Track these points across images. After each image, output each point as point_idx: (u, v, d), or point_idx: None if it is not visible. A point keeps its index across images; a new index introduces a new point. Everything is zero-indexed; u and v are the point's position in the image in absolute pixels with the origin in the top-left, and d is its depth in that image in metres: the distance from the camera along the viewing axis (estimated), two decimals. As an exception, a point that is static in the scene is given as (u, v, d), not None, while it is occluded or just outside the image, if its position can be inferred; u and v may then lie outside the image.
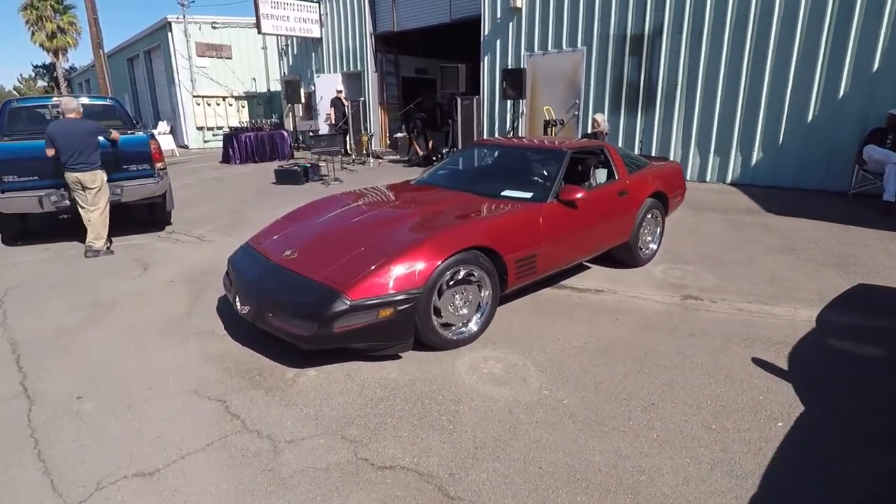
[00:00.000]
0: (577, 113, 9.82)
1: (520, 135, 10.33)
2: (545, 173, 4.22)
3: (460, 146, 9.93)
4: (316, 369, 3.00)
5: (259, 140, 13.09)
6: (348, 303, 2.76)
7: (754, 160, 8.27)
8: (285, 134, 13.47)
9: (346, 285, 2.82)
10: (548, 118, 9.29)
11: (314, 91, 15.09)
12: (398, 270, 2.91)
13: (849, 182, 7.35)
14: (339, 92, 12.95)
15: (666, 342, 3.38)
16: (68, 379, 2.96)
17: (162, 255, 5.53)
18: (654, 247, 5.07)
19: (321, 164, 10.44)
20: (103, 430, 2.47)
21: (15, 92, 45.60)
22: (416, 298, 2.92)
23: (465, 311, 3.28)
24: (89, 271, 4.98)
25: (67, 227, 6.58)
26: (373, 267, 2.92)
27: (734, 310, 3.93)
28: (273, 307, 2.96)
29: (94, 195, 5.40)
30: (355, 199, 4.15)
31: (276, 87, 19.15)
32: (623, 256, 4.75)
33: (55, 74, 34.03)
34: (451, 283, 3.15)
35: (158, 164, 6.22)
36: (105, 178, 5.49)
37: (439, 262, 3.01)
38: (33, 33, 30.32)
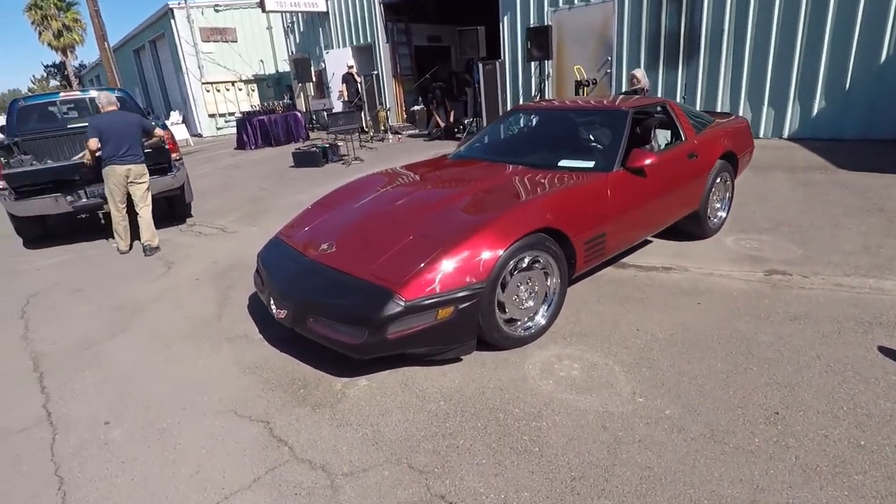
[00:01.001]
0: (609, 70, 9.11)
1: (547, 98, 9.67)
2: (604, 138, 3.69)
3: (484, 115, 9.34)
4: (367, 378, 2.61)
5: (273, 123, 12.64)
6: (402, 304, 2.34)
7: (815, 110, 7.52)
8: (299, 115, 12.99)
9: (399, 283, 2.40)
10: (579, 78, 8.62)
11: (325, 68, 14.51)
12: (457, 262, 2.47)
13: (927, 128, 6.61)
14: (351, 67, 12.34)
15: (766, 330, 2.89)
16: (95, 399, 2.64)
17: (185, 251, 5.18)
18: (723, 214, 4.53)
19: (339, 143, 9.98)
20: (134, 463, 2.13)
21: (30, 94, 45.85)
22: (479, 294, 2.49)
23: (530, 303, 2.84)
24: (112, 273, 4.66)
25: (88, 227, 6.29)
26: (427, 259, 2.48)
27: (832, 286, 3.40)
28: (314, 311, 2.55)
29: (144, 190, 5.10)
30: (391, 180, 3.69)
31: (285, 67, 18.58)
32: (690, 227, 4.23)
33: (66, 73, 33.95)
34: (515, 272, 2.70)
35: (174, 155, 5.84)
36: None
37: (503, 250, 2.56)
38: (40, 33, 30.20)
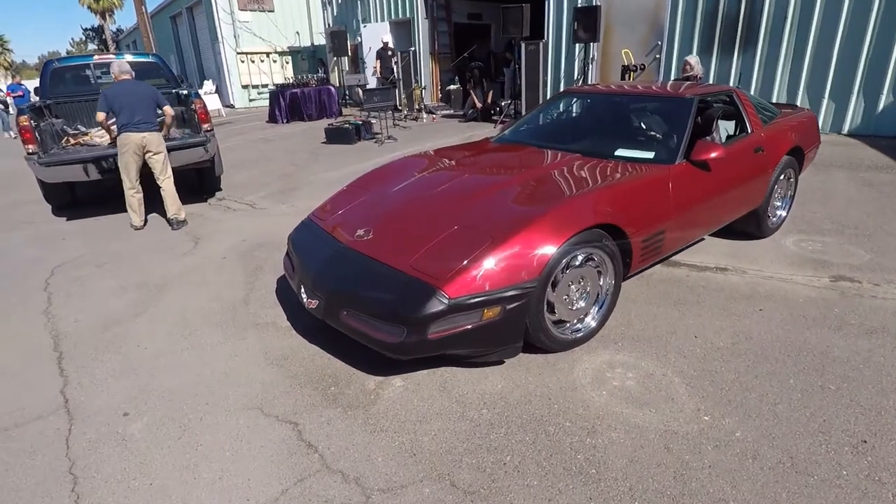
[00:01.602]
0: (658, 56, 8.64)
1: (591, 82, 9.25)
2: (666, 127, 3.40)
3: (524, 98, 8.99)
4: (402, 378, 2.43)
5: (306, 97, 12.47)
6: (446, 302, 2.14)
7: (881, 106, 6.99)
8: (332, 90, 12.78)
9: (443, 278, 2.19)
10: (626, 62, 8.20)
11: (360, 42, 14.24)
12: (506, 258, 2.25)
13: None
14: (386, 42, 12.04)
15: (838, 343, 2.62)
16: (114, 387, 2.50)
17: (213, 226, 5.08)
18: (783, 214, 4.20)
19: (373, 121, 9.76)
20: (152, 464, 1.98)
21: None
22: (529, 294, 2.27)
23: (581, 303, 2.61)
24: (139, 247, 4.58)
25: (119, 197, 6.25)
26: (474, 253, 2.26)
27: None
28: (348, 303, 2.38)
29: (162, 161, 4.93)
30: (431, 164, 3.46)
31: (320, 40, 18.34)
32: (747, 226, 3.92)
33: (104, 36, 34.34)
34: (567, 270, 2.47)
35: (205, 126, 5.70)
36: None
37: (557, 247, 2.33)
38: (80, -5, 30.47)
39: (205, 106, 5.79)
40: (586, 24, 8.22)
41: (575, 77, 9.57)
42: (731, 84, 7.86)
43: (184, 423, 2.19)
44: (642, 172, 2.89)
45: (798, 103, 7.55)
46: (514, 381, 2.38)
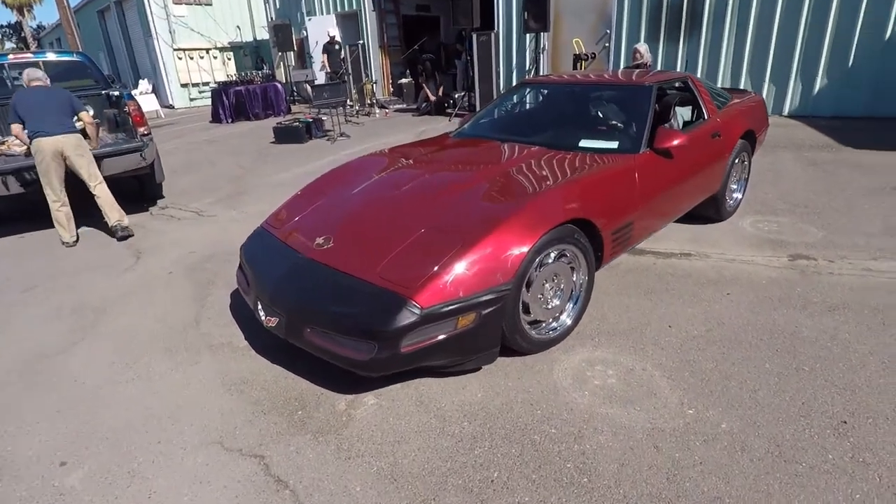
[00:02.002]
0: (607, 45, 8.72)
1: (543, 72, 9.26)
2: (627, 116, 3.36)
3: (477, 89, 8.89)
4: (375, 395, 2.28)
5: (251, 95, 11.95)
6: (419, 312, 2.00)
7: (817, 88, 7.30)
8: (279, 86, 12.30)
9: (413, 287, 2.06)
10: (577, 52, 8.23)
11: (306, 36, 13.77)
12: (479, 261, 2.13)
13: (932, 106, 6.44)
14: (332, 36, 11.62)
15: (806, 322, 2.66)
16: (48, 431, 2.20)
17: (156, 238, 4.73)
18: (739, 196, 4.28)
19: (324, 118, 9.44)
20: (99, 518, 1.76)
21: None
22: (505, 296, 2.17)
23: (556, 301, 2.53)
24: (72, 266, 4.18)
25: (47, 211, 5.74)
26: (445, 258, 2.14)
27: (861, 270, 3.21)
28: (312, 320, 2.20)
29: (88, 164, 4.50)
30: (390, 162, 3.30)
31: (264, 34, 17.64)
32: (707, 211, 3.96)
33: (22, 34, 31.92)
34: (541, 268, 2.39)
35: (141, 129, 5.31)
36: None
37: (531, 245, 2.23)
38: (-7, -13, 28.13)
39: (139, 108, 5.39)
40: (536, 13, 8.19)
41: (527, 67, 9.56)
42: (679, 70, 8.03)
43: (132, 469, 1.95)
44: (608, 163, 2.83)
45: (741, 87, 7.79)
46: (493, 389, 2.27)
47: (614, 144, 3.06)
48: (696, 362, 2.38)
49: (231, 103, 11.88)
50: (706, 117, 3.69)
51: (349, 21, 12.72)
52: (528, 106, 4.10)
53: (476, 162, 3.10)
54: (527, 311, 2.40)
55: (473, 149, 3.36)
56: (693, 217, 4.00)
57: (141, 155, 5.20)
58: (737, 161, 4.00)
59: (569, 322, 2.59)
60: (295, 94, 14.14)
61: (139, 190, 5.94)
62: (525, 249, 2.22)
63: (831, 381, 2.21)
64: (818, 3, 6.99)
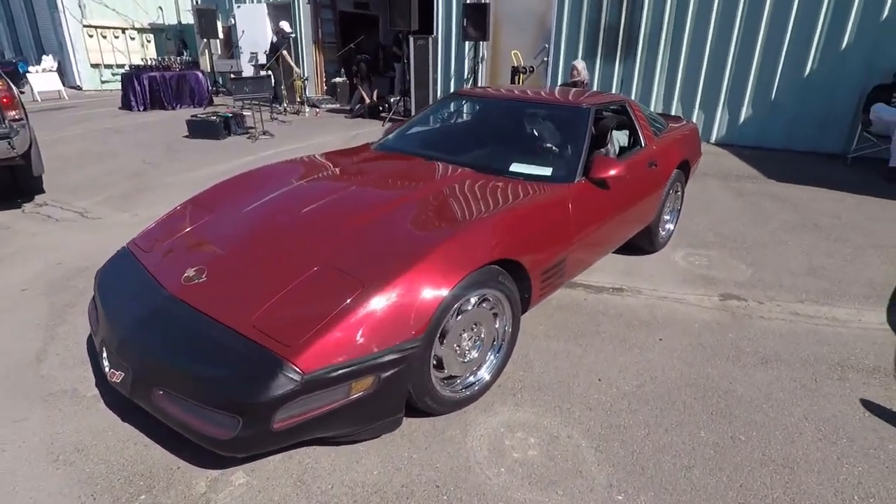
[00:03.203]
0: (546, 59, 8.63)
1: (481, 82, 9.04)
2: (562, 139, 3.10)
3: (413, 95, 8.53)
4: (246, 471, 1.83)
5: (168, 82, 10.93)
6: (299, 378, 1.58)
7: (742, 118, 7.53)
8: (200, 76, 11.34)
9: (295, 344, 1.63)
10: (516, 64, 8.06)
11: (234, 24, 12.85)
12: (382, 310, 1.74)
13: (844, 144, 6.78)
14: (281, 29, 10.40)
15: (740, 377, 2.48)
16: None
17: (21, 242, 3.98)
18: (671, 227, 4.16)
19: (246, 113, 8.71)
20: None
21: None
22: (412, 354, 1.79)
23: (474, 353, 2.19)
24: None
25: None
26: (340, 306, 1.73)
27: (789, 314, 3.14)
28: (164, 380, 1.72)
29: None
30: (297, 176, 2.84)
31: (189, 18, 16.37)
32: (640, 242, 3.80)
33: None
34: (458, 316, 2.03)
35: (11, 113, 4.49)
36: None
37: (448, 291, 1.87)
38: None
39: (9, 87, 4.56)
40: (476, 21, 7.95)
41: (465, 76, 9.30)
42: (614, 91, 8.05)
43: None
44: (540, 194, 2.53)
45: (673, 112, 7.92)
46: (394, 463, 1.88)
47: (548, 171, 2.77)
48: (627, 429, 2.11)
49: (144, 90, 10.80)
50: (643, 145, 3.52)
51: (281, 12, 11.97)
52: (458, 119, 3.77)
53: (394, 183, 2.71)
54: (440, 366, 2.04)
55: (393, 166, 2.96)
56: (626, 247, 3.82)
57: (9, 143, 4.39)
58: (671, 192, 3.87)
59: (487, 378, 2.25)
60: (220, 85, 13.15)
61: (11, 183, 5.07)
62: (440, 296, 1.86)
63: (769, 455, 2.00)
64: (746, 34, 7.21)
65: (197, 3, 14.28)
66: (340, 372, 1.64)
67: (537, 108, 3.35)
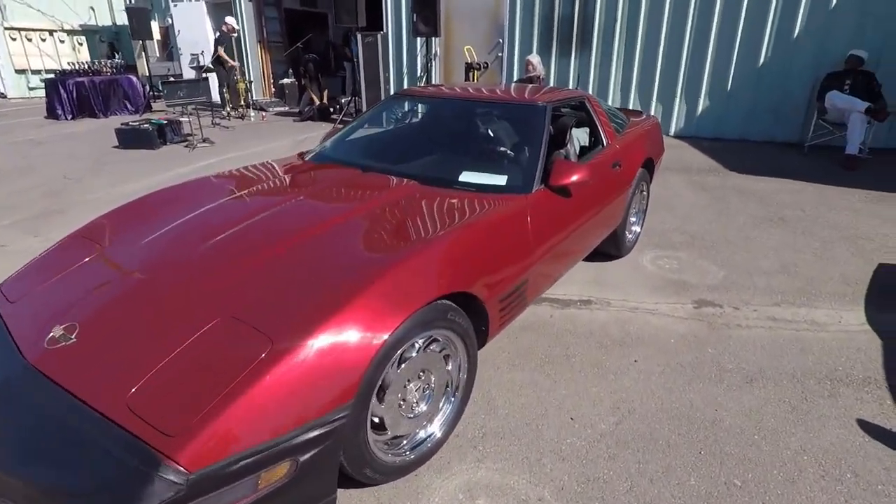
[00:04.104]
0: (500, 54, 8.34)
1: (435, 81, 8.67)
2: (517, 142, 2.78)
3: (364, 95, 8.10)
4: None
5: (98, 88, 10.12)
6: (182, 480, 1.19)
7: (700, 109, 7.43)
8: (134, 80, 10.56)
9: (178, 433, 1.24)
10: (469, 60, 7.73)
11: (172, 24, 12.07)
12: (299, 374, 1.37)
13: (800, 132, 6.75)
14: (229, 26, 9.64)
15: (726, 403, 2.22)
16: None
17: None
18: (638, 230, 3.92)
19: (185, 119, 8.09)
20: None
21: None
22: (340, 426, 1.43)
23: (423, 406, 1.83)
24: None
25: None
26: (242, 375, 1.34)
27: (768, 320, 2.93)
28: (3, 491, 1.30)
29: None
30: (213, 196, 2.42)
31: (126, 19, 15.38)
32: (607, 248, 3.54)
33: None
34: (403, 364, 1.68)
35: None
36: None
37: (383, 339, 1.51)
38: None
39: None
40: (426, 16, 7.56)
41: (418, 74, 8.92)
42: (571, 85, 7.83)
43: None
44: (495, 208, 2.19)
45: (630, 105, 7.77)
46: (326, 559, 1.52)
47: (502, 180, 2.44)
48: (607, 482, 1.81)
49: (72, 96, 9.97)
50: (605, 143, 3.24)
51: (221, 10, 11.27)
52: (402, 123, 3.40)
53: (323, 201, 2.31)
54: (381, 426, 1.68)
55: (326, 181, 2.57)
56: (592, 253, 3.54)
57: None
58: (637, 192, 3.62)
59: (439, 435, 1.89)
60: (158, 89, 12.32)
61: None
62: (376, 345, 1.50)
63: (767, 499, 1.73)
64: (700, 24, 7.10)
65: (130, 1, 13.40)
66: (243, 463, 1.26)
67: (488, 108, 3.02)
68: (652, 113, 7.62)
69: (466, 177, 2.47)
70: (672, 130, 7.64)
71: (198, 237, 2.00)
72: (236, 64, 9.70)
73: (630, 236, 3.75)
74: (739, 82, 7.09)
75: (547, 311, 3.02)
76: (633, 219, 3.75)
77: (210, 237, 1.97)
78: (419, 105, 3.44)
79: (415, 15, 7.58)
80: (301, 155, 3.10)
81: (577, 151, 3.34)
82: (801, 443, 1.99)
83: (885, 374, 2.40)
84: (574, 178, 2.42)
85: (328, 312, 1.49)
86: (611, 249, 3.56)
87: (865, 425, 2.09)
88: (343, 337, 1.46)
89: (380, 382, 1.59)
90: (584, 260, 3.52)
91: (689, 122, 7.55)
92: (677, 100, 7.50)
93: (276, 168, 2.81)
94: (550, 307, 3.08)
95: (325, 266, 1.76)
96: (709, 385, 2.34)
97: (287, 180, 2.61)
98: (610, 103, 7.78)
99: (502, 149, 2.78)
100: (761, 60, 6.90)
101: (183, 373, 1.38)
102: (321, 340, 1.43)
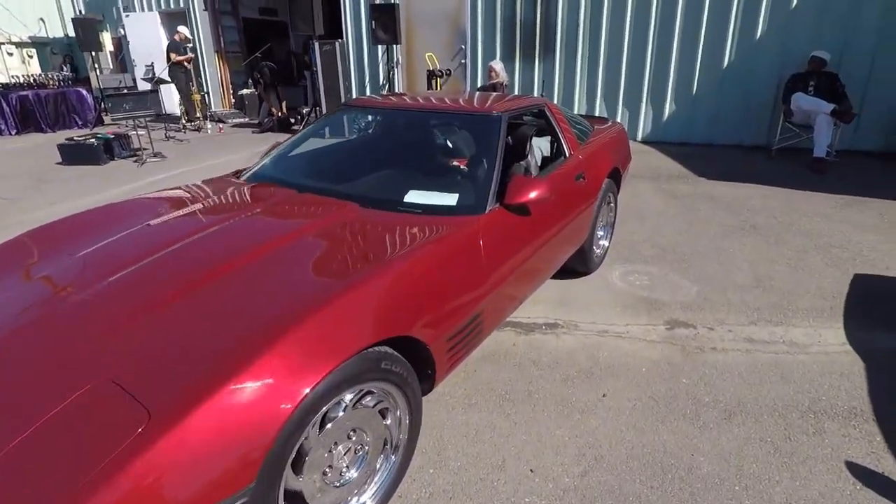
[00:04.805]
0: (463, 61, 8.15)
1: (398, 91, 8.43)
2: (469, 156, 2.54)
3: (324, 105, 7.80)
4: None
5: (43, 102, 9.57)
6: None
7: (666, 114, 7.35)
8: (84, 92, 10.02)
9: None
10: (431, 67, 7.51)
11: (124, 35, 11.57)
12: (184, 453, 1.09)
13: (767, 135, 6.70)
14: (182, 35, 9.23)
15: (703, 445, 2.00)
16: None
17: None
18: (606, 243, 3.72)
19: (135, 133, 7.66)
20: None
21: None
22: (234, 521, 1.15)
23: (353, 472, 1.56)
24: None
25: None
26: (108, 457, 1.05)
27: (744, 342, 2.75)
28: None
29: None
30: (120, 224, 2.10)
31: (77, 30, 14.76)
32: (573, 264, 3.32)
33: None
34: (327, 424, 1.40)
35: None
36: None
37: (297, 401, 1.24)
38: None
39: None
40: (385, 23, 7.34)
41: (381, 82, 8.67)
42: (536, 92, 7.68)
43: None
44: (442, 233, 1.93)
45: (597, 111, 7.65)
46: None
47: (452, 199, 2.19)
48: (572, 551, 1.56)
49: (15, 111, 9.41)
50: (567, 154, 3.02)
51: (176, 20, 10.84)
52: (348, 138, 3.13)
53: (247, 230, 2.02)
54: (301, 500, 1.40)
55: (255, 204, 2.27)
56: (558, 270, 3.34)
57: None
58: (603, 205, 3.41)
59: None
60: (109, 103, 11.78)
61: None
62: (285, 410, 1.23)
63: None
64: (663, 27, 7.03)
65: (80, 12, 12.83)
66: (92, 592, 0.97)
67: (439, 119, 2.77)
68: (619, 118, 7.51)
69: (413, 197, 2.21)
70: (639, 135, 7.55)
71: (95, 274, 1.69)
72: (191, 56, 9.28)
73: (598, 251, 3.54)
74: (705, 85, 7.03)
75: (510, 339, 2.78)
76: (600, 233, 3.55)
77: (109, 274, 1.66)
78: (367, 117, 3.18)
79: (373, 22, 7.34)
80: (237, 173, 2.81)
81: (539, 163, 3.13)
82: (786, 494, 1.77)
83: (871, 404, 2.22)
84: (532, 195, 2.18)
85: (229, 371, 1.21)
86: (578, 266, 3.35)
87: (855, 469, 1.89)
88: (245, 402, 1.19)
89: (294, 453, 1.32)
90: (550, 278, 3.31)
91: (655, 126, 7.46)
92: (643, 105, 7.41)
93: (205, 189, 2.51)
94: (514, 333, 2.84)
95: (235, 310, 1.48)
96: (684, 423, 2.12)
97: (212, 204, 2.31)
98: (576, 110, 7.66)
99: (454, 163, 2.54)
100: (725, 62, 6.85)
101: (40, 454, 1.08)
102: (215, 410, 1.15)
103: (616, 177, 3.59)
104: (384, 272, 1.63)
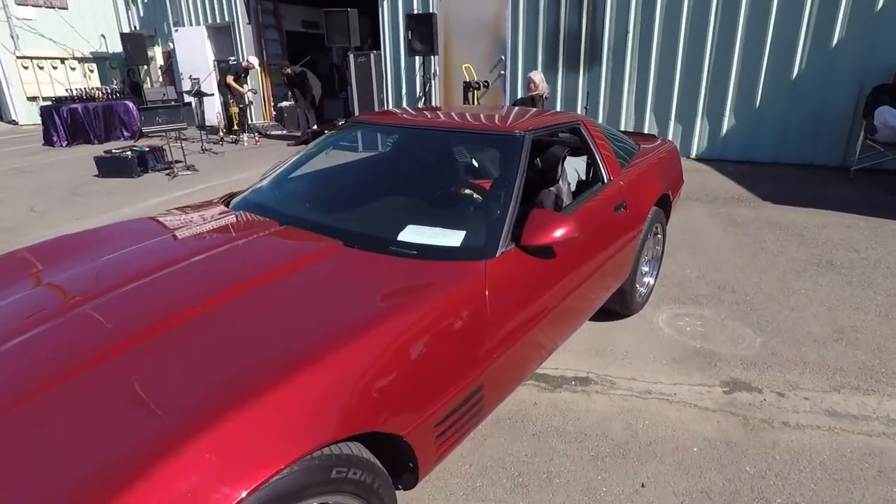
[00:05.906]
0: (503, 72, 7.76)
1: (434, 104, 8.13)
2: (483, 181, 2.13)
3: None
4: None
5: (92, 114, 9.87)
6: None
7: (725, 129, 6.68)
8: (131, 105, 10.29)
9: None
10: (468, 79, 7.16)
11: (174, 49, 11.88)
12: None
13: (843, 154, 5.96)
14: (250, 61, 9.42)
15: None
16: None
17: None
18: (651, 281, 3.21)
19: (168, 145, 7.68)
20: None
21: None
22: None
23: None
24: None
25: None
26: None
27: (826, 415, 2.22)
28: None
29: None
30: (74, 258, 1.82)
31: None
32: (611, 305, 2.84)
33: None
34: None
35: None
36: None
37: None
38: None
39: None
40: (422, 34, 7.06)
41: (417, 94, 8.40)
42: (580, 106, 7.19)
43: None
44: (437, 286, 1.53)
45: (646, 126, 7.07)
46: None
47: (456, 239, 1.79)
48: None
49: (66, 123, 9.73)
50: (606, 180, 2.57)
51: (222, 34, 11.04)
52: (348, 162, 2.77)
53: (205, 273, 1.67)
54: None
55: (227, 240, 1.93)
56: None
57: None
58: (649, 236, 2.92)
59: None
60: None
61: None
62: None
63: None
64: (723, 34, 6.41)
65: (135, 28, 13.33)
66: None
67: (451, 139, 2.37)
68: (670, 133, 6.92)
69: (409, 234, 1.82)
70: (693, 153, 6.91)
71: (12, 326, 1.39)
72: (245, 91, 9.34)
73: (642, 290, 3.06)
74: (770, 97, 6.34)
75: (531, 395, 2.35)
76: (644, 268, 3.06)
77: (38, 324, 1.36)
78: (375, 134, 2.83)
79: (409, 32, 7.08)
80: (229, 197, 2.51)
81: (574, 188, 2.69)
82: None
83: None
84: (557, 233, 1.76)
85: (122, 486, 0.86)
86: (616, 307, 2.87)
87: None
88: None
89: None
90: (583, 322, 2.84)
91: (712, 143, 6.81)
92: (698, 118, 6.77)
93: (181, 218, 2.22)
94: (537, 389, 2.40)
95: (155, 389, 1.13)
96: (750, 536, 1.62)
97: (182, 237, 2.00)
98: (623, 124, 7.12)
99: (465, 192, 2.13)
100: (795, 71, 6.14)
101: None
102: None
103: (665, 204, 3.09)
104: (342, 346, 1.23)
